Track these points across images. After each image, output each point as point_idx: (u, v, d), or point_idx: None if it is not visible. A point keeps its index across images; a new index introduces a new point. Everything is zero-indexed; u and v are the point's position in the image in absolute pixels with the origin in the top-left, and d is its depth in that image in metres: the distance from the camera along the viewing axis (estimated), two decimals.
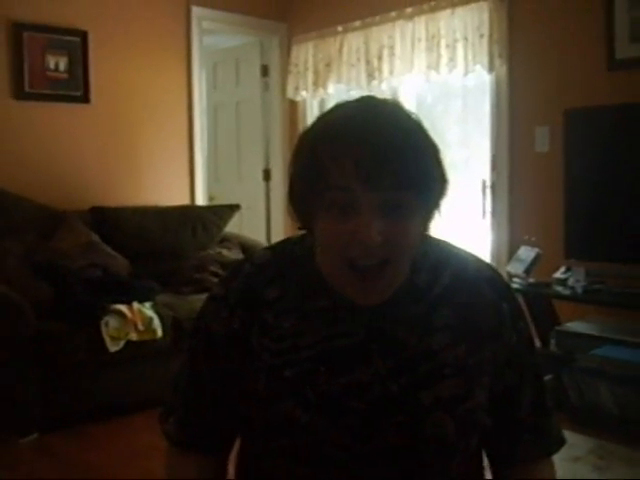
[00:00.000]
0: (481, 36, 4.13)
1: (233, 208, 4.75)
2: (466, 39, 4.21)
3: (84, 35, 4.45)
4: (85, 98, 4.49)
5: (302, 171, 1.02)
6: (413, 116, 1.03)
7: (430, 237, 1.13)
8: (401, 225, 0.98)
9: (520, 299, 3.40)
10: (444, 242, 1.17)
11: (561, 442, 1.18)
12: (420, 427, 1.02)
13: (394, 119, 1.00)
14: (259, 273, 1.12)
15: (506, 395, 1.12)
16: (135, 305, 3.55)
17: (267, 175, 5.63)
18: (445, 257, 1.13)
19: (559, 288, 3.53)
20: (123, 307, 3.50)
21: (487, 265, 1.18)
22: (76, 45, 4.43)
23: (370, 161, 0.95)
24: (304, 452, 1.04)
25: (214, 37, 5.58)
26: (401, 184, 0.96)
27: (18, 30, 4.21)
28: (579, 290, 3.42)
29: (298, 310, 1.07)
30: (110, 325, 3.42)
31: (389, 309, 1.04)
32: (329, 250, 1.02)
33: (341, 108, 1.04)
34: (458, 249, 1.17)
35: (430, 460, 1.03)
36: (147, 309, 3.58)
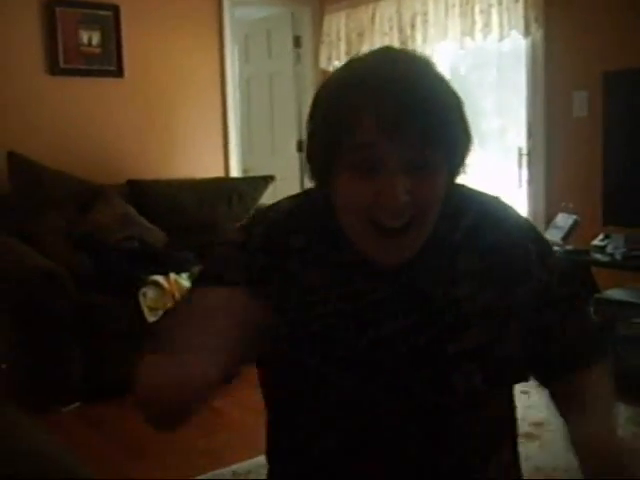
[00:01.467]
0: (516, 0, 4.05)
1: (267, 179, 4.76)
2: (501, 4, 4.12)
3: (116, 9, 4.46)
4: (119, 72, 4.51)
5: (321, 126, 0.97)
6: (436, 68, 0.98)
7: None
8: (427, 183, 0.94)
9: None
10: (463, 186, 1.11)
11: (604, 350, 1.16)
12: (448, 379, 1.00)
13: (417, 70, 0.95)
14: (284, 220, 1.07)
15: (549, 332, 1.09)
16: (172, 276, 3.59)
17: (301, 146, 5.59)
18: (465, 201, 1.09)
19: (598, 255, 3.48)
20: (160, 278, 3.54)
21: (510, 207, 1.13)
22: (109, 19, 4.44)
23: (394, 114, 0.90)
24: (334, 409, 1.01)
25: (245, 9, 5.55)
26: (427, 140, 0.91)
27: (51, 6, 4.23)
28: (618, 257, 3.37)
29: (323, 262, 1.03)
30: (148, 296, 3.46)
31: (413, 262, 1.01)
32: (351, 210, 0.97)
33: (360, 61, 0.99)
34: (479, 192, 1.13)
35: (460, 411, 1.02)
36: (184, 280, 3.61)
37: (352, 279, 1.02)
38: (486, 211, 1.09)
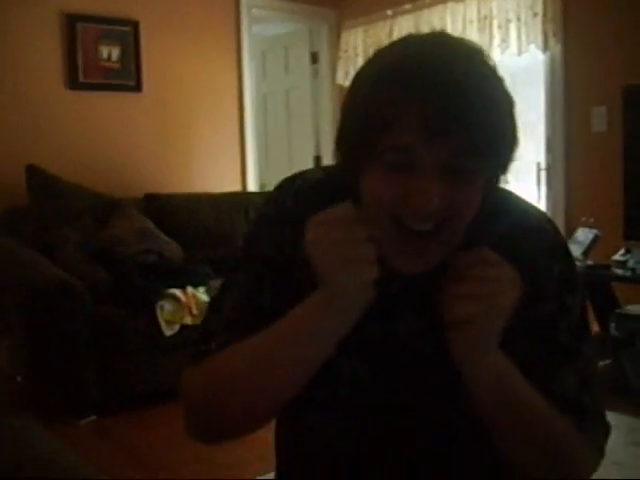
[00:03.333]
0: (534, 15, 4.05)
1: None
2: (519, 19, 4.13)
3: (136, 25, 4.50)
4: (137, 87, 4.54)
5: (357, 114, 0.88)
6: (490, 63, 0.89)
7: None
8: (464, 190, 0.86)
9: None
10: (505, 192, 1.01)
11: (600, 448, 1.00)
12: (453, 393, 0.95)
13: (471, 67, 0.85)
14: (311, 191, 1.02)
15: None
16: (189, 290, 3.58)
17: (318, 162, 5.60)
18: (502, 209, 1.00)
19: (619, 270, 3.44)
20: (177, 291, 3.53)
21: (549, 222, 1.04)
22: (128, 35, 4.48)
23: (439, 118, 0.81)
24: (344, 403, 0.98)
25: (262, 25, 5.59)
26: (472, 147, 0.83)
27: (71, 21, 4.27)
28: (639, 272, 3.33)
29: None
30: (165, 309, 3.45)
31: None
32: (376, 207, 0.88)
33: (410, 43, 0.90)
34: (520, 201, 1.04)
35: (464, 426, 0.97)
36: (201, 293, 3.61)
37: None
38: (522, 221, 1.01)
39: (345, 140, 0.92)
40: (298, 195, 1.02)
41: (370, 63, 0.91)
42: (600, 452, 1.00)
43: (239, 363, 0.92)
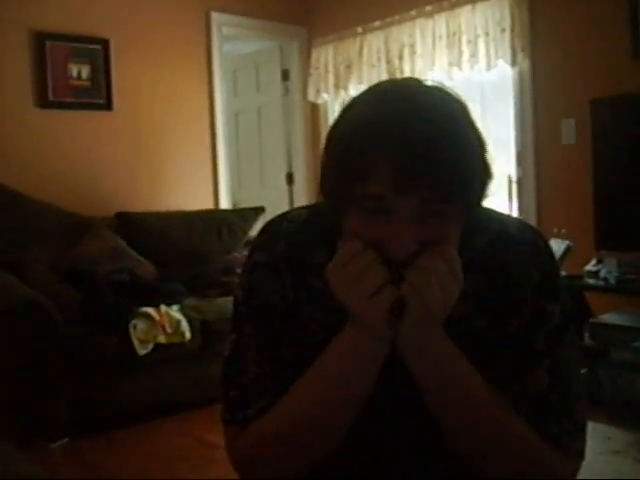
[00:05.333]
0: (502, 31, 4.10)
1: (258, 211, 4.75)
2: (487, 34, 4.18)
3: (106, 43, 4.49)
4: (108, 105, 4.52)
5: (333, 168, 0.93)
6: (460, 106, 0.93)
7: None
8: (439, 231, 0.90)
9: None
10: (485, 209, 1.04)
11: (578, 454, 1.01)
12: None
13: (439, 117, 0.88)
14: (300, 232, 1.05)
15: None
16: (163, 308, 3.54)
17: (290, 179, 5.62)
18: (482, 226, 1.03)
19: (591, 280, 3.47)
20: (151, 310, 3.49)
21: (532, 230, 1.07)
22: (98, 53, 4.46)
23: (409, 170, 0.85)
24: (362, 428, 1.00)
25: (233, 43, 5.60)
26: (444, 195, 0.87)
27: (40, 39, 4.25)
28: (612, 281, 3.36)
29: None
30: (138, 328, 3.41)
31: None
32: None
33: (378, 98, 0.93)
34: (500, 215, 1.08)
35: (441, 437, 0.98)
36: (175, 312, 3.57)
37: None
38: (505, 231, 1.04)
39: (326, 188, 0.96)
40: (288, 238, 1.05)
41: (346, 113, 0.95)
42: (577, 452, 1.00)
43: (296, 421, 0.97)
